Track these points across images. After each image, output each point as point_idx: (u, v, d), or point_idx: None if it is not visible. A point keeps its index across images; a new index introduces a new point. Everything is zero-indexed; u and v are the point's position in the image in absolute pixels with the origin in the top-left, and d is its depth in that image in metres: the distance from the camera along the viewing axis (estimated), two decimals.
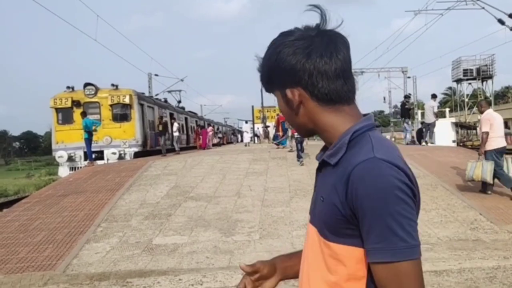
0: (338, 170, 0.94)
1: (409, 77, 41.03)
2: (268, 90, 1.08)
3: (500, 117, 7.92)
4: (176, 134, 18.84)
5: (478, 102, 9.42)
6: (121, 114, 17.73)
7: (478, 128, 8.08)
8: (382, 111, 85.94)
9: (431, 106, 15.56)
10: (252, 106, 33.98)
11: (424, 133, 16.19)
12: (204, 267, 5.06)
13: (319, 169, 1.07)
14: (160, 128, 17.31)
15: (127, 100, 17.39)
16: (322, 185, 1.02)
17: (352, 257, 0.92)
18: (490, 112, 7.81)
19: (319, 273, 1.00)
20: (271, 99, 31.85)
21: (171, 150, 18.10)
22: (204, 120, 38.30)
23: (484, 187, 7.73)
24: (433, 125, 15.61)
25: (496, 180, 7.60)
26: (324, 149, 1.05)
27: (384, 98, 46.74)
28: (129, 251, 5.73)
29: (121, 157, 16.97)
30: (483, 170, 7.32)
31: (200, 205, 7.71)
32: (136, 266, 5.19)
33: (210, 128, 29.27)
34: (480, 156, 7.67)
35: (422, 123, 17.37)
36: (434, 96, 16.23)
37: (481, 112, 8.03)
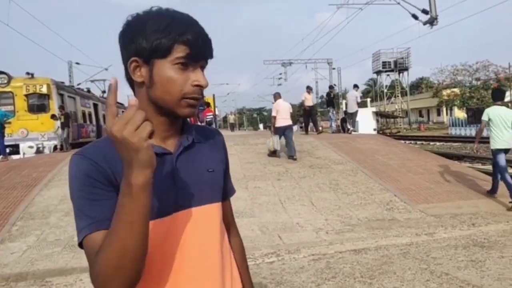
0: (207, 144, 1.11)
1: (334, 69, 42.91)
2: (210, 58, 1.02)
3: (285, 105, 10.83)
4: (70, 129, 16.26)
5: (273, 94, 11.73)
6: (38, 105, 16.50)
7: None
8: None
9: (355, 96, 16.17)
10: None
11: (347, 122, 17.00)
12: None
13: (180, 154, 1.03)
14: (62, 119, 15.28)
15: (44, 90, 16.22)
16: (194, 162, 1.04)
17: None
18: (277, 102, 10.79)
19: (224, 249, 1.10)
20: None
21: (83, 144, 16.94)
22: None
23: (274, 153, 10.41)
24: (355, 114, 16.37)
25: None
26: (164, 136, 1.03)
27: (312, 89, 48.39)
28: (48, 249, 5.41)
29: (39, 151, 15.85)
30: (273, 142, 10.13)
31: None
32: (56, 264, 4.92)
33: None
34: (272, 133, 10.74)
35: (345, 112, 18.21)
36: (356, 86, 17.01)
37: (275, 101, 11.03)
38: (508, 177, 6.68)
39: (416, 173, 8.80)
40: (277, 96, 11.19)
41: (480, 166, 13.78)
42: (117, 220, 0.81)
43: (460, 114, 38.90)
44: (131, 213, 0.80)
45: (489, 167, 13.41)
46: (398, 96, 48.03)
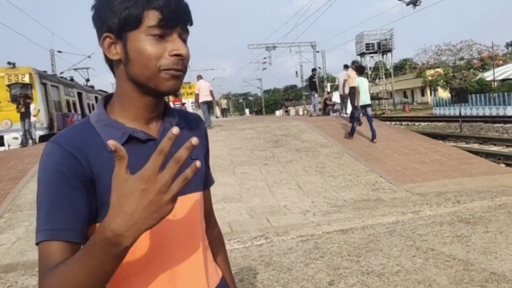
0: (189, 129, 1.05)
1: (318, 52, 42.74)
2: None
3: (205, 84, 12.87)
4: (33, 119, 14.97)
5: (197, 76, 13.36)
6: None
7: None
8: (295, 85, 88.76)
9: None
10: None
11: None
12: None
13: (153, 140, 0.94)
14: (23, 109, 14.21)
15: (26, 79, 15.94)
16: (178, 148, 0.86)
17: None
18: (199, 82, 12.97)
19: (199, 241, 1.01)
20: (186, 76, 31.17)
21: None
22: None
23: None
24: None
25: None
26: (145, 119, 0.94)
27: (296, 73, 48.39)
28: None
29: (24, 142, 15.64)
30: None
31: None
32: None
33: None
34: (198, 107, 13.07)
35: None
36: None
37: (198, 81, 13.16)
38: (356, 124, 10.36)
39: (402, 153, 8.94)
40: (199, 77, 13.14)
41: (464, 145, 14.04)
42: (78, 267, 0.71)
43: (443, 94, 39.31)
44: (96, 272, 0.70)
45: (473, 146, 13.70)
46: (382, 77, 48.29)
